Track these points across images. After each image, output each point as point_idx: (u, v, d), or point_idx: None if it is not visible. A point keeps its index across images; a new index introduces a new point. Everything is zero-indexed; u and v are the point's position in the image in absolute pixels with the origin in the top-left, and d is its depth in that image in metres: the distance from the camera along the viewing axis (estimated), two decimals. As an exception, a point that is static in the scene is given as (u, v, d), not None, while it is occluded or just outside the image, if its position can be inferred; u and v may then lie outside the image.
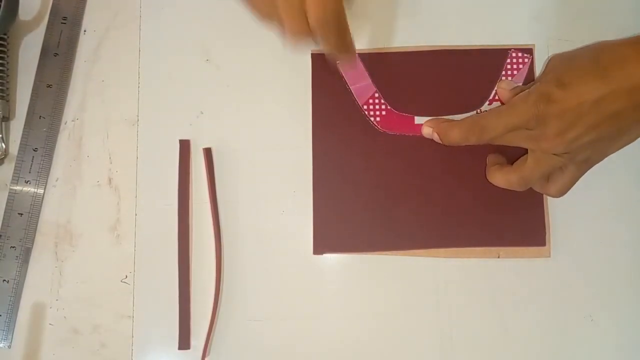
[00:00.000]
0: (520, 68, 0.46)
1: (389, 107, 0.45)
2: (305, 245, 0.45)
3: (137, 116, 0.47)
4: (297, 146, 0.46)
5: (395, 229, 0.45)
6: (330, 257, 0.45)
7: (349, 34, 0.40)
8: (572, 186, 0.42)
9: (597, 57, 0.39)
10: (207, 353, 0.44)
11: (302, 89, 0.46)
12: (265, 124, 0.46)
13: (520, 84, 0.45)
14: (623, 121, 0.38)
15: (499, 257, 0.44)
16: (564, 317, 0.44)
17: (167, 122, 0.47)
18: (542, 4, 0.47)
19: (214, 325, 0.44)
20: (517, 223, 0.44)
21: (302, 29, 0.37)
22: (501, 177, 0.43)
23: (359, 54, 0.46)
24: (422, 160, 0.45)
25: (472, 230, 0.45)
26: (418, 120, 0.45)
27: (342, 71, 0.46)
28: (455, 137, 0.42)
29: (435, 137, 0.44)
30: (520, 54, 0.46)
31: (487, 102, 0.45)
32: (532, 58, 0.46)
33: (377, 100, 0.45)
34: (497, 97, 0.45)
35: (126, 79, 0.47)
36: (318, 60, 0.46)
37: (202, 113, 0.47)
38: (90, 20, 0.48)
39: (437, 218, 0.45)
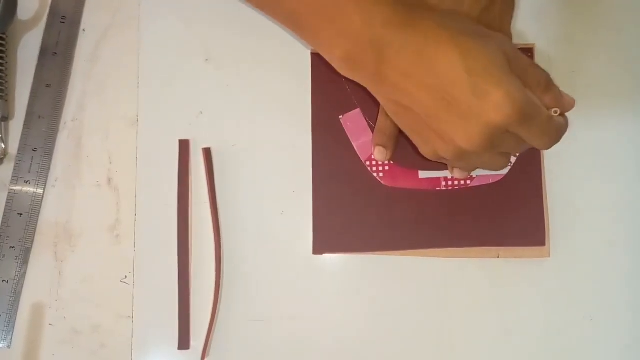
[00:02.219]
0: None
1: (392, 162, 0.45)
2: (305, 245, 0.45)
3: (137, 116, 0.47)
4: (296, 146, 0.46)
5: (395, 229, 0.45)
6: (330, 257, 0.45)
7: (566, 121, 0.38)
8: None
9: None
10: (206, 353, 0.44)
11: (302, 88, 0.46)
12: (264, 123, 0.46)
13: None
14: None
15: (498, 257, 0.44)
16: (563, 317, 0.44)
17: (167, 122, 0.46)
18: (542, 4, 0.47)
19: (214, 325, 0.44)
20: (516, 223, 0.44)
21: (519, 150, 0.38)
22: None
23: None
24: None
25: (471, 230, 0.45)
26: (422, 174, 0.45)
27: (344, 127, 0.46)
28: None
29: None
30: None
31: None
32: (533, 59, 0.46)
33: None
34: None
35: (125, 79, 0.47)
36: (316, 59, 0.46)
37: (201, 113, 0.47)
38: (90, 20, 0.48)
39: (437, 218, 0.45)
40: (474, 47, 0.33)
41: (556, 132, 0.36)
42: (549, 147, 0.36)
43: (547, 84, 0.35)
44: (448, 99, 0.33)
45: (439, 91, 0.34)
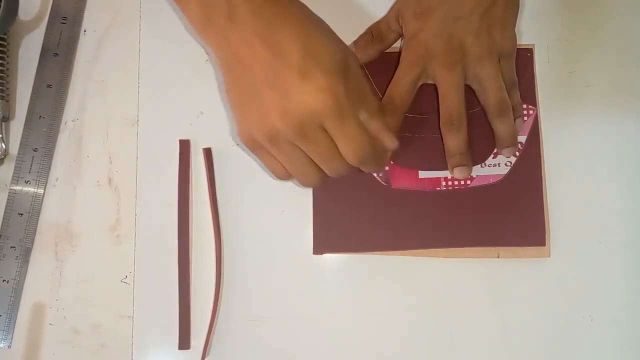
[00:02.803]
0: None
1: (392, 163, 0.45)
2: (305, 245, 0.45)
3: (137, 116, 0.47)
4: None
5: (395, 229, 0.45)
6: (330, 257, 0.45)
7: (386, 152, 0.40)
8: None
9: None
10: (207, 353, 0.44)
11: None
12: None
13: (525, 135, 0.45)
14: None
15: (498, 257, 0.44)
16: (563, 316, 0.44)
17: (167, 122, 0.47)
18: (541, 4, 0.47)
19: (214, 325, 0.44)
20: (516, 223, 0.45)
21: (341, 170, 0.38)
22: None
23: None
24: None
25: (471, 230, 0.45)
26: (422, 174, 0.45)
27: None
28: None
29: None
30: (524, 107, 0.45)
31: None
32: (533, 59, 0.46)
33: None
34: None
35: (126, 79, 0.47)
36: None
37: (202, 113, 0.47)
38: (90, 20, 0.48)
39: (437, 218, 0.45)
40: (319, 40, 0.35)
41: (368, 146, 0.36)
42: (357, 158, 0.36)
43: (373, 113, 0.37)
44: (277, 73, 0.34)
45: (271, 65, 0.34)
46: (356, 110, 0.36)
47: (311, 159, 0.37)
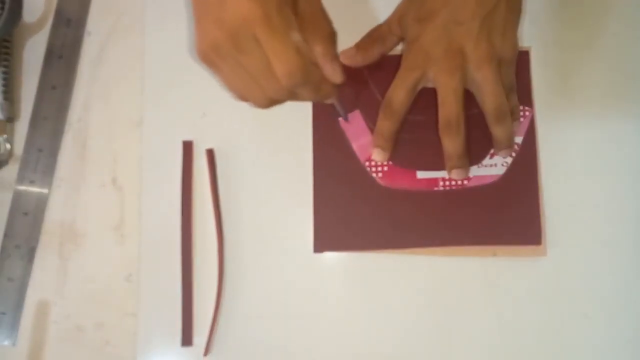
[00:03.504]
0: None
1: (390, 163, 0.46)
2: (305, 243, 0.46)
3: (141, 117, 0.47)
4: (297, 146, 0.47)
5: (394, 228, 0.45)
6: (330, 255, 0.46)
7: (326, 82, 0.39)
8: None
9: None
10: (209, 349, 0.45)
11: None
12: (266, 125, 0.47)
13: (522, 136, 0.46)
14: None
15: (495, 256, 0.45)
16: (559, 315, 0.44)
17: (171, 123, 0.47)
18: (538, 7, 0.47)
19: (216, 322, 0.45)
20: (512, 222, 0.45)
21: (278, 94, 0.37)
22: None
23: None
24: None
25: (469, 229, 0.45)
26: (420, 174, 0.46)
27: (344, 128, 0.46)
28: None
29: None
30: (520, 109, 0.46)
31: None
32: (529, 62, 0.47)
33: None
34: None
35: (130, 81, 0.48)
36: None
37: (205, 115, 0.47)
38: (94, 23, 0.49)
39: (435, 217, 0.45)
40: None
41: (300, 67, 0.35)
42: (287, 79, 0.35)
43: (318, 38, 0.38)
44: None
45: None
46: (289, 27, 0.35)
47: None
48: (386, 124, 0.45)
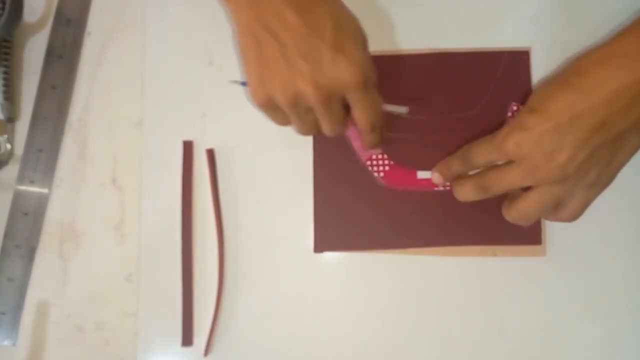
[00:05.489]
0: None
1: (392, 163, 0.46)
2: (306, 243, 0.46)
3: (141, 117, 0.47)
4: (298, 147, 0.47)
5: (394, 228, 0.45)
6: (330, 255, 0.46)
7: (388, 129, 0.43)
8: (584, 210, 0.40)
9: (564, 72, 0.38)
10: (209, 349, 0.45)
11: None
12: (266, 124, 0.46)
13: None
14: (612, 130, 0.36)
15: (495, 256, 0.45)
16: (559, 315, 0.45)
17: (171, 123, 0.47)
18: (539, 6, 0.47)
19: (217, 322, 0.45)
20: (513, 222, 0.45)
21: (339, 133, 0.41)
22: (507, 212, 0.42)
23: None
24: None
25: (469, 228, 0.45)
26: (420, 174, 0.46)
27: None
28: (448, 170, 0.44)
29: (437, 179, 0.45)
30: (521, 109, 0.45)
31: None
32: (529, 62, 0.47)
33: (380, 156, 0.46)
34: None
35: (130, 81, 0.48)
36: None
37: (204, 115, 0.47)
38: (95, 23, 0.49)
39: (435, 217, 0.45)
40: (346, 13, 0.38)
41: (381, 113, 0.40)
42: (370, 125, 0.40)
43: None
44: (310, 44, 0.36)
45: (304, 36, 0.36)
46: (375, 84, 0.38)
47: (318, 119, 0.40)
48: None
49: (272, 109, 0.39)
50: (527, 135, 0.37)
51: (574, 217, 0.41)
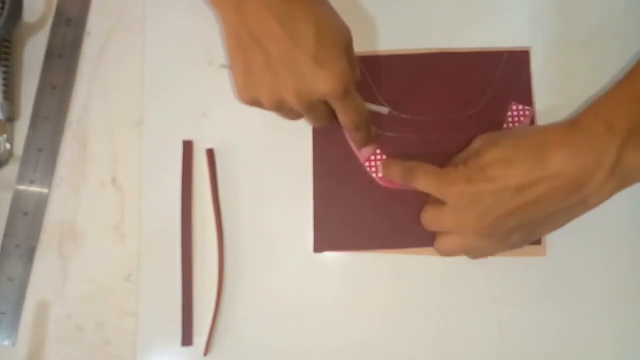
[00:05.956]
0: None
1: None
2: (306, 243, 0.46)
3: (141, 117, 0.47)
4: (297, 146, 0.47)
5: (394, 228, 0.45)
6: (330, 255, 0.46)
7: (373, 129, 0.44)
8: (496, 254, 0.43)
9: (518, 143, 0.39)
10: (209, 349, 0.45)
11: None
12: (266, 125, 0.47)
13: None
14: (548, 210, 0.38)
15: (495, 256, 0.45)
16: (559, 315, 0.45)
17: (171, 123, 0.47)
18: (539, 6, 0.48)
19: (217, 322, 0.45)
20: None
21: (326, 124, 0.43)
22: (436, 244, 0.44)
23: None
24: None
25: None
26: None
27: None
28: (392, 172, 0.44)
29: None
30: (520, 109, 0.46)
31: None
32: (529, 61, 0.47)
33: (379, 157, 0.46)
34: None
35: (130, 81, 0.48)
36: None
37: (204, 115, 0.47)
38: (95, 23, 0.49)
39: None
40: (331, 22, 0.38)
41: (364, 113, 0.41)
42: (354, 126, 0.41)
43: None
44: (292, 56, 0.36)
45: (287, 47, 0.36)
46: (355, 85, 0.39)
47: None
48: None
49: (259, 107, 0.41)
50: (471, 189, 0.38)
51: (485, 258, 0.44)
